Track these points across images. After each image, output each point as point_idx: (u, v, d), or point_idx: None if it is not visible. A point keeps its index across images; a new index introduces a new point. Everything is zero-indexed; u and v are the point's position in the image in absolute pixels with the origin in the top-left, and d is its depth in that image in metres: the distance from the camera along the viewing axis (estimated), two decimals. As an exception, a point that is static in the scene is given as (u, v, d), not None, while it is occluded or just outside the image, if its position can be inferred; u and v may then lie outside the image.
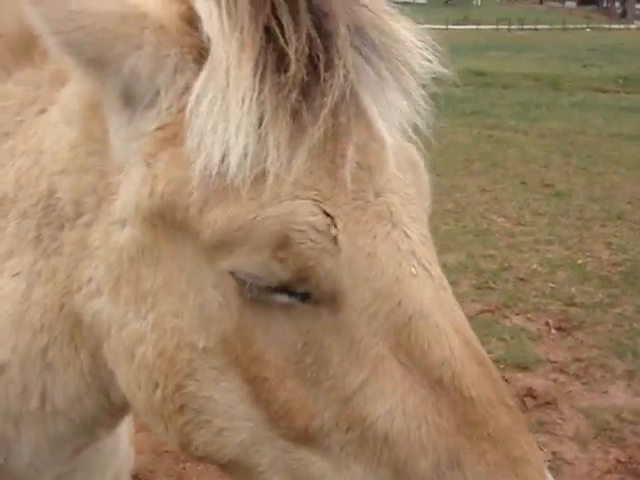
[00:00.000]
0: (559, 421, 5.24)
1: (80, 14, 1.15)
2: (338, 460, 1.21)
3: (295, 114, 1.14)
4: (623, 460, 4.81)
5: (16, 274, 1.43)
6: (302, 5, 1.15)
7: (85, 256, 1.35)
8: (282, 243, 1.12)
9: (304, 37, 1.14)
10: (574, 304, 7.15)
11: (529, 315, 6.89)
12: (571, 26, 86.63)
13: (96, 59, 1.19)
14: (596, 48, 46.72)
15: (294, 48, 1.13)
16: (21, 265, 1.42)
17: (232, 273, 1.17)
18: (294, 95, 1.14)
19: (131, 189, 1.24)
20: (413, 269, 1.21)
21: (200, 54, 1.19)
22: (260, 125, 1.13)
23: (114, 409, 1.57)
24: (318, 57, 1.15)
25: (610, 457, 4.85)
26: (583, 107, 20.24)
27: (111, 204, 1.29)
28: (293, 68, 1.13)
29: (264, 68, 1.13)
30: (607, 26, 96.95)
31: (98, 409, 1.55)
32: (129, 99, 1.22)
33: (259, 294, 1.17)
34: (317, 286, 1.16)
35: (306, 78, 1.14)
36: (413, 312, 1.18)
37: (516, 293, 7.37)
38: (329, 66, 1.15)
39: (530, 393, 5.53)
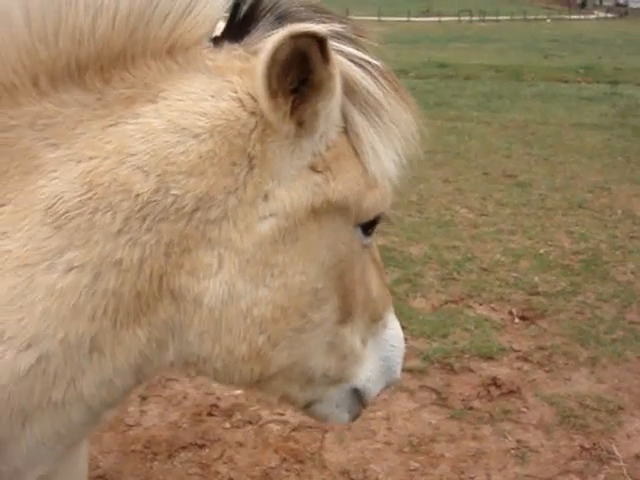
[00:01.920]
0: (523, 409, 5.29)
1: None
2: (353, 324, 1.92)
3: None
4: (587, 446, 4.86)
5: (75, 267, 1.49)
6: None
7: (201, 244, 1.60)
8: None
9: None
10: (537, 293, 7.21)
11: (493, 305, 6.94)
12: (532, 17, 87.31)
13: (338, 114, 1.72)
14: (557, 38, 47.20)
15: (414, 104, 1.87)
16: (86, 257, 1.50)
17: (367, 225, 1.84)
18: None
19: (299, 192, 1.65)
20: None
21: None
22: (401, 147, 1.81)
23: (133, 388, 1.76)
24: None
25: (574, 444, 4.90)
26: (544, 97, 20.42)
27: (257, 204, 1.62)
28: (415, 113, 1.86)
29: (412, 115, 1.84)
30: (567, 16, 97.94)
31: (122, 390, 1.69)
32: (322, 135, 1.68)
33: (368, 236, 1.88)
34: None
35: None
36: None
37: (480, 283, 7.42)
38: None
39: (494, 382, 5.58)
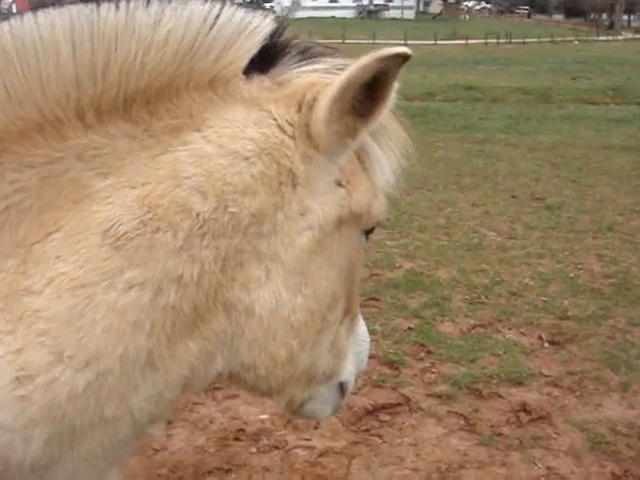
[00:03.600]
0: (554, 435, 5.21)
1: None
2: (345, 322, 2.05)
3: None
4: (618, 474, 4.77)
5: (136, 285, 1.56)
6: None
7: (252, 258, 1.72)
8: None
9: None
10: (567, 317, 7.13)
11: (522, 329, 6.87)
12: (559, 39, 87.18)
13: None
14: (584, 60, 47.09)
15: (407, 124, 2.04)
16: (147, 274, 1.57)
17: (368, 231, 2.02)
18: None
19: (330, 205, 1.81)
20: None
21: None
22: (398, 161, 2.02)
23: (177, 401, 1.83)
24: None
25: (605, 471, 4.81)
26: (573, 119, 20.36)
27: (298, 218, 1.76)
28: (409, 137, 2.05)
29: (406, 133, 2.03)
30: (595, 38, 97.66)
31: (170, 402, 1.75)
32: (349, 151, 1.86)
33: (367, 240, 2.06)
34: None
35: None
36: None
37: (509, 307, 7.36)
38: None
39: (524, 408, 5.51)
